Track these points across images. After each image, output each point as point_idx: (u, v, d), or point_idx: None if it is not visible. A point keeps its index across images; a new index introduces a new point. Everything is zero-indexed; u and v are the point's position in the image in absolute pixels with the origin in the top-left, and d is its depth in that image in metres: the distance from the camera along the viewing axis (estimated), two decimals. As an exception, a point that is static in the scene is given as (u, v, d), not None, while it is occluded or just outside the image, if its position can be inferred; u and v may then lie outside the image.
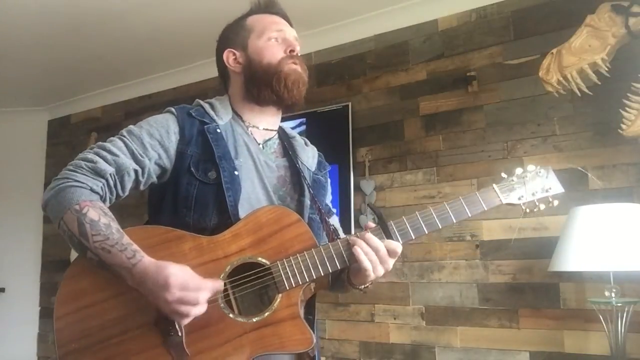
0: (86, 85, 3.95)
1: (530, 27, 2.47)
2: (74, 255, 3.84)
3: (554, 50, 2.08)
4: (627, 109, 1.96)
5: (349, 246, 1.10)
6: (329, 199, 1.41)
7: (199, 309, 1.01)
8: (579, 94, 2.05)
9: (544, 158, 2.35)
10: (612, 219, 1.88)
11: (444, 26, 2.71)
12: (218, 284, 1.05)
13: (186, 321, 1.02)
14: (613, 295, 1.91)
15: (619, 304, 1.91)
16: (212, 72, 4.05)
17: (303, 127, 3.00)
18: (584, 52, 2.02)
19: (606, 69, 1.99)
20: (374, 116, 2.86)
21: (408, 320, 2.61)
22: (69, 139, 4.27)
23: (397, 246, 1.10)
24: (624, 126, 1.96)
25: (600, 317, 1.97)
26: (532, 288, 2.32)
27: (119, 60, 3.47)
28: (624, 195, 2.15)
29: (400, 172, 2.74)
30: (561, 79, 2.04)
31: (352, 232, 2.76)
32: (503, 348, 2.35)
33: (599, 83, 2.02)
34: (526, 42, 2.47)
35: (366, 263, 1.08)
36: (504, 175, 1.18)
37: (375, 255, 1.08)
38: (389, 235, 1.11)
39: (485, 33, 2.59)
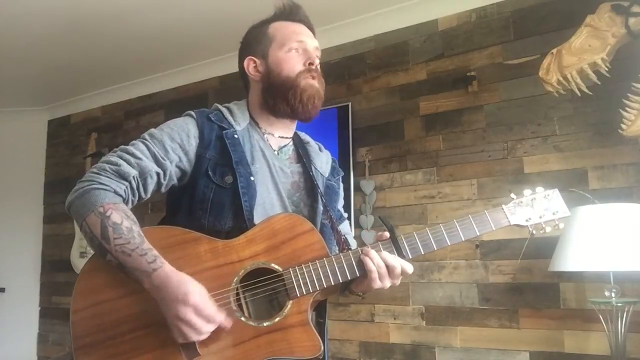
0: (86, 85, 3.96)
1: (530, 27, 2.47)
2: (74, 255, 3.85)
3: (554, 50, 2.08)
4: (627, 109, 1.95)
5: (360, 260, 1.12)
6: (340, 204, 1.43)
7: (200, 338, 1.04)
8: (579, 94, 2.05)
9: (544, 158, 2.35)
10: (612, 219, 1.89)
11: (444, 26, 2.71)
12: (228, 321, 1.07)
13: (181, 341, 1.05)
14: (613, 295, 1.91)
15: (619, 304, 1.91)
16: (212, 72, 4.04)
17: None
18: (584, 52, 2.02)
19: (606, 69, 1.99)
20: (374, 116, 2.86)
21: (408, 320, 2.61)
22: (69, 139, 4.27)
23: (409, 267, 1.13)
24: (624, 126, 1.96)
25: (600, 317, 1.97)
26: (532, 288, 2.32)
27: (119, 60, 3.47)
28: (624, 196, 2.15)
29: (400, 172, 2.74)
30: (561, 79, 2.04)
31: (352, 233, 2.76)
32: (503, 348, 2.35)
33: (599, 83, 2.02)
34: (526, 42, 2.47)
35: (375, 277, 1.11)
36: (513, 196, 1.20)
37: (390, 272, 1.12)
38: (398, 249, 1.13)
39: (485, 33, 2.59)
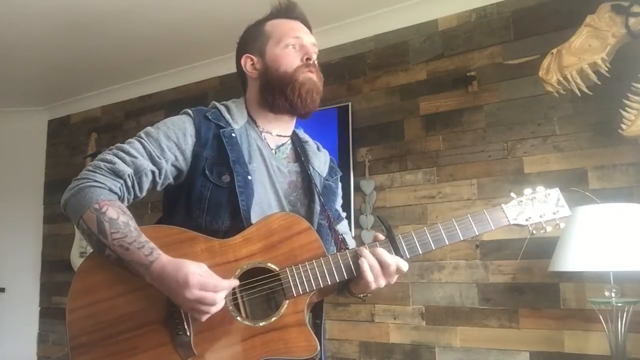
0: (86, 85, 3.95)
1: (530, 27, 2.47)
2: (74, 255, 3.85)
3: (554, 50, 2.08)
4: (627, 109, 1.96)
5: (357, 258, 1.12)
6: (339, 204, 1.42)
7: (216, 308, 1.05)
8: (579, 94, 2.05)
9: (544, 158, 2.35)
10: (612, 219, 1.88)
11: (444, 26, 2.71)
12: (234, 282, 1.08)
13: (204, 318, 1.05)
14: (613, 295, 1.91)
15: (619, 304, 1.91)
16: (212, 72, 4.04)
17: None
18: (584, 52, 2.02)
19: (606, 69, 1.99)
20: (374, 116, 2.86)
21: (408, 320, 2.61)
22: (68, 139, 4.27)
23: (405, 265, 1.12)
24: (624, 126, 1.96)
25: (600, 317, 1.97)
26: (532, 288, 2.32)
27: (119, 60, 3.47)
28: (624, 195, 2.15)
29: (400, 172, 2.74)
30: (561, 79, 2.04)
31: (352, 233, 2.76)
32: (503, 348, 2.35)
33: (599, 83, 2.02)
34: (526, 42, 2.47)
35: (369, 276, 1.10)
36: (513, 195, 1.18)
37: (384, 270, 1.11)
38: (396, 249, 1.13)
39: (485, 33, 2.59)
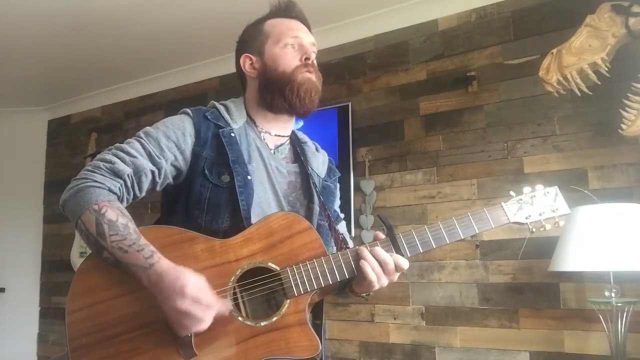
0: (86, 85, 3.96)
1: (530, 27, 2.47)
2: (74, 255, 3.84)
3: (554, 50, 2.08)
4: (627, 109, 1.96)
5: (358, 257, 1.11)
6: (337, 205, 1.42)
7: (202, 327, 1.02)
8: (579, 94, 2.05)
9: (544, 158, 2.35)
10: (612, 219, 1.88)
11: (444, 26, 2.71)
12: (226, 306, 1.06)
13: (183, 333, 1.04)
14: (613, 295, 1.91)
15: (619, 304, 1.91)
16: (212, 72, 4.04)
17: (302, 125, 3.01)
18: (584, 52, 2.02)
19: (606, 69, 1.99)
20: (374, 116, 2.86)
21: (408, 320, 2.61)
22: (68, 139, 4.28)
23: (405, 263, 1.12)
24: (624, 126, 1.96)
25: (600, 317, 1.97)
26: (532, 288, 2.32)
27: (119, 60, 3.47)
28: (624, 195, 2.15)
29: (400, 172, 2.74)
30: (561, 79, 2.05)
31: (352, 233, 2.76)
32: (503, 348, 2.35)
33: (599, 83, 2.02)
34: (526, 42, 2.47)
35: (372, 275, 1.10)
36: (512, 193, 1.19)
37: (383, 268, 1.10)
38: (397, 248, 1.12)
39: (485, 33, 2.59)
